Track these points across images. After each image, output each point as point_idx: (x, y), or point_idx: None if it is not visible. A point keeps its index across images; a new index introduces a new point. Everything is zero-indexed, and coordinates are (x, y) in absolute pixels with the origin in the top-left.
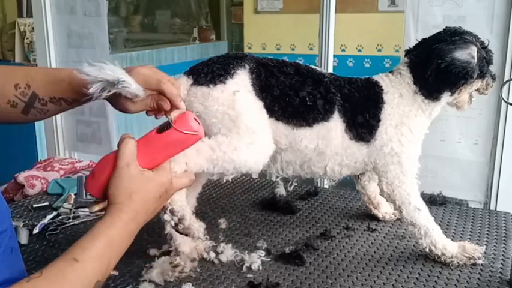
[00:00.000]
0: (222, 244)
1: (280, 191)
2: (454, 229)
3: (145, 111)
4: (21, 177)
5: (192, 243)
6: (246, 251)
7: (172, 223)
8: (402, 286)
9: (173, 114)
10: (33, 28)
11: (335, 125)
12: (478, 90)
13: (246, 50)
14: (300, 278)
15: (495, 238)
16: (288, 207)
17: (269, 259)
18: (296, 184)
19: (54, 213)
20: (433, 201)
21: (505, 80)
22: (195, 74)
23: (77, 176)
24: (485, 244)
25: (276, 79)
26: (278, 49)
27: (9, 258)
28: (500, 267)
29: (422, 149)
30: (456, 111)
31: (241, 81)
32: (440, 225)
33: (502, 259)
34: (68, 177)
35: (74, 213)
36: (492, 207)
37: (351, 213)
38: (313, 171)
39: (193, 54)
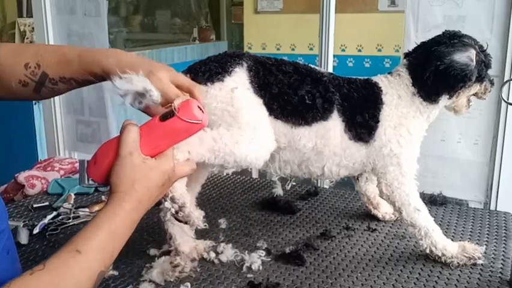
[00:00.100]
0: (222, 244)
1: (278, 190)
2: (454, 229)
3: None
4: (21, 177)
5: (192, 243)
6: (246, 251)
7: (173, 210)
8: (402, 286)
9: (177, 102)
10: (33, 28)
11: (334, 124)
12: (476, 94)
13: (246, 50)
14: (300, 278)
15: (495, 238)
16: (288, 207)
17: (269, 259)
18: (294, 184)
19: (54, 213)
20: (433, 201)
21: (505, 80)
22: (192, 72)
23: (79, 160)
24: (485, 244)
25: (274, 77)
26: (278, 49)
27: (5, 260)
28: (500, 267)
29: (422, 149)
30: None
31: (239, 78)
32: (440, 225)
33: (502, 259)
34: (68, 177)
35: (74, 213)
36: (492, 207)
37: (351, 213)
38: (311, 171)
39: (193, 54)
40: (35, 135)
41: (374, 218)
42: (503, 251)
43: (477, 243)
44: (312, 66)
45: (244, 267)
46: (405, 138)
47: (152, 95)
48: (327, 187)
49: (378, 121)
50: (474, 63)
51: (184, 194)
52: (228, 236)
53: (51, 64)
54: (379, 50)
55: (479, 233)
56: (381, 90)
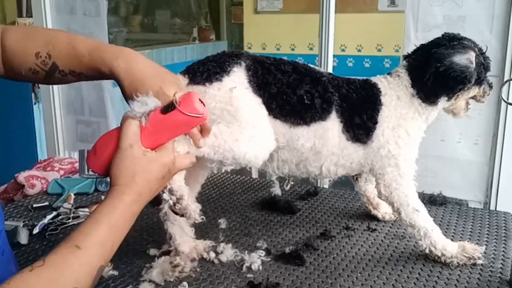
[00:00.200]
0: (222, 244)
1: (276, 190)
2: (454, 229)
3: None
4: (21, 177)
5: (191, 243)
6: (246, 251)
7: (171, 202)
8: (402, 286)
9: (178, 95)
10: None
11: (332, 124)
12: (474, 97)
13: (246, 50)
14: (300, 278)
15: (495, 238)
16: (288, 207)
17: (269, 259)
18: (293, 183)
19: (54, 213)
20: (433, 201)
21: (505, 80)
22: (190, 73)
23: (79, 150)
24: (485, 244)
25: (273, 77)
26: (278, 49)
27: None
28: (500, 267)
29: (422, 149)
30: None
31: (238, 78)
32: (440, 225)
33: (502, 259)
34: (68, 177)
35: (74, 213)
36: (492, 207)
37: (351, 213)
38: (309, 170)
39: (193, 54)
40: (35, 135)
41: (374, 218)
42: (503, 251)
43: (477, 243)
44: (312, 66)
45: (244, 267)
46: (404, 140)
47: None
48: (327, 187)
49: (376, 122)
50: (474, 65)
51: (183, 187)
52: (228, 236)
53: (62, 56)
54: (379, 50)
55: (479, 233)
56: (380, 91)
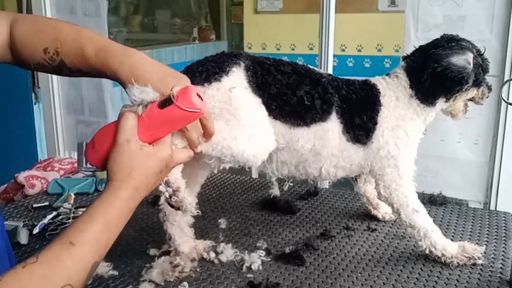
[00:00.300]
0: (222, 244)
1: (275, 191)
2: (454, 229)
3: None
4: (21, 177)
5: (191, 243)
6: (246, 251)
7: (167, 194)
8: (402, 286)
9: (175, 89)
10: None
11: (333, 125)
12: (473, 99)
13: (246, 50)
14: (300, 278)
15: (495, 238)
16: (288, 207)
17: (269, 259)
18: (291, 184)
19: (54, 213)
20: (433, 201)
21: (505, 80)
22: (189, 73)
23: (78, 142)
24: (485, 244)
25: (272, 77)
26: (278, 49)
27: None
28: (500, 267)
29: (422, 149)
30: None
31: (237, 78)
32: (440, 225)
33: (502, 259)
34: (68, 177)
35: (74, 213)
36: (492, 207)
37: (351, 213)
38: (308, 172)
39: (193, 54)
40: (35, 135)
41: (374, 218)
42: (503, 251)
43: (477, 243)
44: (311, 67)
45: (244, 267)
46: (403, 140)
47: None
48: (327, 187)
49: (376, 123)
50: (471, 66)
51: (179, 179)
52: (228, 236)
53: (70, 54)
54: (379, 50)
55: (479, 233)
56: (380, 92)
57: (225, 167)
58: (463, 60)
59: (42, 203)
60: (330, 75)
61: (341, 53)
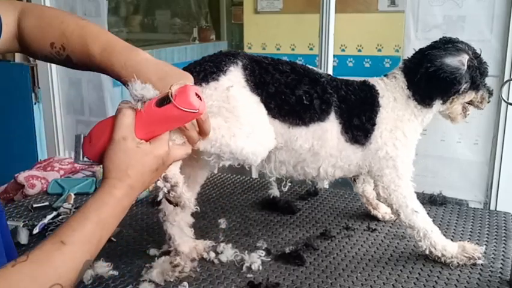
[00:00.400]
0: (222, 244)
1: (274, 191)
2: (454, 229)
3: None
4: (21, 177)
5: (191, 243)
6: (246, 251)
7: (165, 190)
8: (402, 286)
9: (174, 88)
10: None
11: (331, 126)
12: (472, 103)
13: (246, 50)
14: (300, 278)
15: (495, 238)
16: (288, 207)
17: (269, 259)
18: (290, 184)
19: (54, 213)
20: (433, 201)
21: (505, 80)
22: None
23: (75, 135)
24: (485, 244)
25: (271, 76)
26: (278, 49)
27: None
28: (500, 267)
29: (422, 149)
30: None
31: (235, 77)
32: (440, 225)
33: (502, 259)
34: (68, 177)
35: (74, 213)
36: (492, 207)
37: (351, 213)
38: (307, 172)
39: (193, 54)
40: (35, 135)
41: (374, 218)
42: (503, 251)
43: (477, 243)
44: (310, 66)
45: (244, 267)
46: (401, 141)
47: None
48: (327, 187)
49: (374, 124)
50: (465, 67)
51: (177, 175)
52: (228, 236)
53: (76, 51)
54: (379, 50)
55: (479, 233)
56: (378, 93)
57: (225, 167)
58: (457, 61)
59: (42, 203)
60: (329, 75)
61: (341, 53)
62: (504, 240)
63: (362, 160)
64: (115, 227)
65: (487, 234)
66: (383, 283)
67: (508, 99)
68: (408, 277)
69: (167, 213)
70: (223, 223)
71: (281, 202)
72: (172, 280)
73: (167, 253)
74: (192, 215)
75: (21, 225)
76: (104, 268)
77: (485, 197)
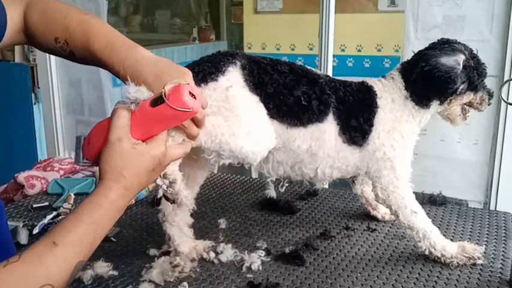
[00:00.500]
0: (222, 244)
1: (271, 192)
2: (454, 229)
3: None
4: (21, 177)
5: (191, 244)
6: (246, 251)
7: (164, 187)
8: (402, 286)
9: (167, 87)
10: None
11: (329, 126)
12: (471, 105)
13: (246, 50)
14: (300, 278)
15: (495, 238)
16: (288, 207)
17: (269, 259)
18: (287, 184)
19: (54, 213)
20: (433, 201)
21: (505, 80)
22: None
23: (76, 136)
24: (485, 244)
25: (269, 76)
26: (278, 49)
27: None
28: (500, 267)
29: (422, 149)
30: None
31: (233, 77)
32: (440, 225)
33: (502, 259)
34: (68, 177)
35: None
36: (492, 207)
37: (351, 213)
38: (304, 172)
39: (192, 54)
40: (35, 135)
41: (374, 218)
42: (503, 251)
43: (477, 243)
44: (308, 67)
45: (244, 267)
46: (399, 142)
47: None
48: (327, 187)
49: (372, 125)
50: (460, 67)
51: (176, 171)
52: (228, 236)
53: (78, 47)
54: (379, 50)
55: (479, 233)
56: (376, 94)
57: (225, 167)
58: (453, 60)
59: (42, 203)
60: (328, 76)
61: (340, 53)
62: (504, 240)
63: (359, 161)
64: (109, 228)
65: (487, 234)
66: (383, 283)
67: (508, 99)
68: (408, 277)
69: (166, 214)
70: (223, 223)
71: (281, 202)
72: (172, 280)
73: (167, 253)
74: (192, 215)
75: (21, 225)
76: (104, 268)
77: (485, 197)
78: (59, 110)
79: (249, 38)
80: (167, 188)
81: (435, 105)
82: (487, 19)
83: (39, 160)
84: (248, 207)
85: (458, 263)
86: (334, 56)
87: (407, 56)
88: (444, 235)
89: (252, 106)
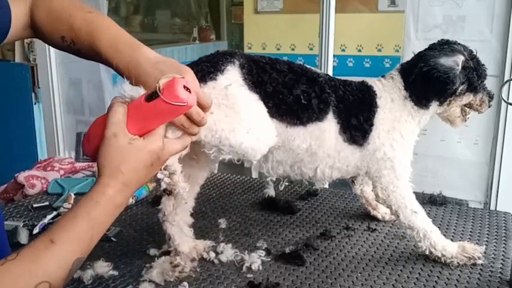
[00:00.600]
0: (222, 244)
1: (270, 191)
2: (454, 229)
3: None
4: (21, 177)
5: (191, 243)
6: (246, 251)
7: (166, 180)
8: (402, 286)
9: (162, 82)
10: None
11: (329, 125)
12: (471, 106)
13: (246, 50)
14: (300, 278)
15: (495, 238)
16: (288, 207)
17: (269, 259)
18: (287, 184)
19: (54, 213)
20: (433, 201)
21: (505, 80)
22: None
23: (76, 133)
24: (485, 244)
25: (268, 75)
26: (278, 49)
27: None
28: (500, 267)
29: (422, 149)
30: None
31: (232, 76)
32: (440, 225)
33: (502, 259)
34: (68, 177)
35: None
36: (492, 207)
37: (351, 213)
38: (304, 172)
39: (193, 54)
40: (35, 135)
41: (374, 218)
42: (503, 251)
43: (477, 243)
44: (307, 66)
45: (244, 267)
46: (399, 142)
47: None
48: (327, 187)
49: (372, 124)
50: (459, 67)
51: (176, 163)
52: (228, 236)
53: (84, 46)
54: (379, 50)
55: (479, 233)
56: (376, 94)
57: (225, 167)
58: (451, 61)
59: (42, 203)
60: (327, 75)
61: (341, 53)
62: (504, 240)
63: (360, 161)
64: (108, 225)
65: (487, 234)
66: (383, 283)
67: (508, 99)
68: (408, 277)
69: (166, 213)
70: (223, 223)
71: (281, 202)
72: (172, 280)
73: (167, 253)
74: (192, 215)
75: (21, 225)
76: (104, 268)
77: (485, 197)
78: (59, 109)
79: (249, 38)
80: (166, 178)
81: (434, 106)
82: (487, 19)
83: (39, 160)
84: (248, 207)
85: (458, 263)
86: (334, 56)
87: (408, 56)
88: (444, 235)
89: (251, 104)
